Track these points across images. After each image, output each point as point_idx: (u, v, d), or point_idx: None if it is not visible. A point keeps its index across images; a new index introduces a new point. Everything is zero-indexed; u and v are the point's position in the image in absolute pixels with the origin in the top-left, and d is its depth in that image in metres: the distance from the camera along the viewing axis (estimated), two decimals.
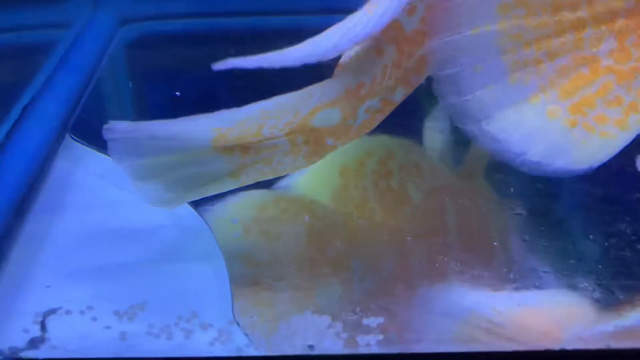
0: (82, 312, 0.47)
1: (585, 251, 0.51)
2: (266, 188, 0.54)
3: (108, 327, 0.46)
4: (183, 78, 0.76)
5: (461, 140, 0.59)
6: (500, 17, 0.46)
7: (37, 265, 0.51)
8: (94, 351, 0.44)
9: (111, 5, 0.85)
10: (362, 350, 0.44)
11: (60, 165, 0.61)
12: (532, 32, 0.46)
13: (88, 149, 0.62)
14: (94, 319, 0.46)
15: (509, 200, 0.55)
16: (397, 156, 0.60)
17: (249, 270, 0.51)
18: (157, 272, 0.50)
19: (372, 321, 0.45)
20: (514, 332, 0.44)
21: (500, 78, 0.46)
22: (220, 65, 0.43)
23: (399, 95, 0.51)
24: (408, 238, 0.53)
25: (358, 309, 0.46)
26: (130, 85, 0.75)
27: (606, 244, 0.51)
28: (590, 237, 0.52)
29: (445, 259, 0.50)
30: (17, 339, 0.45)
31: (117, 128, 0.47)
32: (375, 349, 0.44)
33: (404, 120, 0.62)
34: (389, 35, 0.49)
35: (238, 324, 0.46)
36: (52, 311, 0.47)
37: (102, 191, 0.58)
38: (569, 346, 0.43)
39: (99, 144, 0.62)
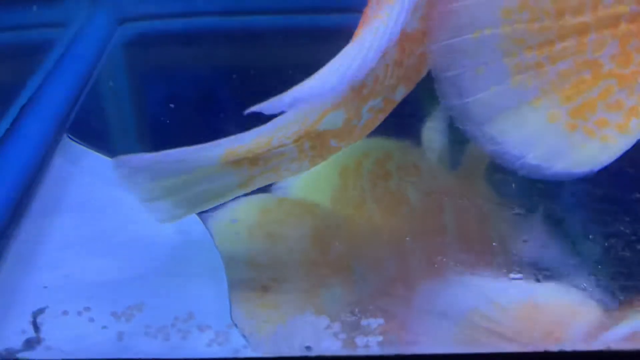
0: (79, 313, 0.47)
1: (585, 251, 0.51)
2: (265, 190, 0.54)
3: (105, 328, 0.46)
4: (181, 77, 0.76)
5: (460, 142, 0.59)
6: (503, 21, 0.46)
7: (34, 265, 0.51)
8: (90, 352, 0.44)
9: (109, 5, 0.85)
10: (361, 351, 0.44)
11: (58, 165, 0.61)
12: (535, 36, 0.46)
13: (86, 149, 0.62)
14: (91, 319, 0.46)
15: (508, 201, 0.55)
16: (395, 157, 0.60)
17: (250, 273, 0.50)
18: (155, 273, 0.50)
19: (371, 322, 0.45)
20: (516, 331, 0.44)
21: (502, 81, 0.46)
22: (248, 111, 0.43)
23: (400, 94, 0.51)
24: (407, 239, 0.52)
25: (357, 310, 0.46)
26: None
27: (606, 244, 0.51)
28: (590, 237, 0.52)
29: (444, 260, 0.50)
30: (14, 339, 0.45)
31: (126, 161, 0.48)
32: (374, 351, 0.44)
33: (404, 121, 0.62)
34: None
35: (236, 325, 0.46)
36: (41, 311, 0.46)
37: (100, 191, 0.58)
38: (569, 347, 0.43)
39: (97, 143, 0.63)
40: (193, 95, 0.73)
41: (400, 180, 0.58)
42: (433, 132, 0.63)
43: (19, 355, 0.44)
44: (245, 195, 0.51)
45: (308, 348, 0.44)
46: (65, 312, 0.47)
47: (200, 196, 0.49)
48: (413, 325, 0.46)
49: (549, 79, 0.46)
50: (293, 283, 0.49)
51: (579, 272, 0.49)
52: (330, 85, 0.44)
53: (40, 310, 0.46)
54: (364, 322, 0.45)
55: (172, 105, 0.69)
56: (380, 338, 0.44)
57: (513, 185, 0.56)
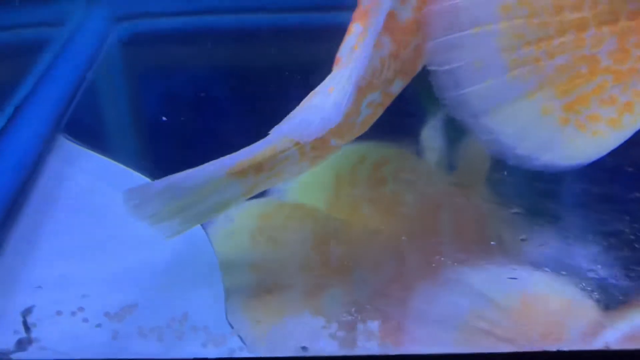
0: (73, 314, 0.46)
1: (584, 251, 0.51)
2: (260, 194, 0.54)
3: (99, 329, 0.45)
4: (178, 76, 0.76)
5: (459, 143, 0.59)
6: (502, 17, 0.46)
7: (28, 265, 0.51)
8: (84, 353, 0.44)
9: (105, 3, 0.84)
10: (357, 352, 0.44)
11: (54, 164, 0.60)
12: (533, 32, 0.46)
13: (82, 148, 0.62)
14: (85, 320, 0.46)
15: (506, 200, 0.55)
16: (392, 162, 0.60)
17: (247, 275, 0.50)
18: (151, 274, 0.50)
19: (368, 324, 0.45)
20: (514, 332, 0.44)
21: (499, 74, 0.46)
22: None
23: (397, 87, 0.51)
24: (402, 244, 0.52)
25: (353, 317, 0.46)
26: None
27: (605, 244, 0.51)
28: (590, 236, 0.52)
29: (441, 261, 0.50)
30: (7, 340, 0.44)
31: (136, 192, 0.47)
32: (370, 351, 0.44)
33: (403, 122, 0.61)
34: (385, 27, 0.49)
35: (231, 326, 0.46)
36: (29, 310, 0.46)
37: (96, 191, 0.58)
38: (568, 347, 0.42)
39: (94, 143, 0.62)
40: (190, 94, 0.73)
41: (396, 185, 0.58)
42: (432, 133, 0.63)
43: (12, 356, 0.43)
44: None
45: (304, 348, 0.44)
46: (59, 313, 0.46)
47: (207, 210, 0.49)
48: (410, 328, 0.45)
49: (546, 74, 0.46)
50: (291, 286, 0.49)
51: (577, 271, 0.49)
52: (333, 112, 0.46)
53: (28, 310, 0.46)
54: (360, 324, 0.45)
55: (164, 118, 0.69)
56: (377, 340, 0.44)
57: (511, 184, 0.56)
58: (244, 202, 0.50)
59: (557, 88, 0.47)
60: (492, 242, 0.52)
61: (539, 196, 0.55)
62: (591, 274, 0.48)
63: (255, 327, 0.47)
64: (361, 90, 0.49)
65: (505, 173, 0.56)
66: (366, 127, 0.51)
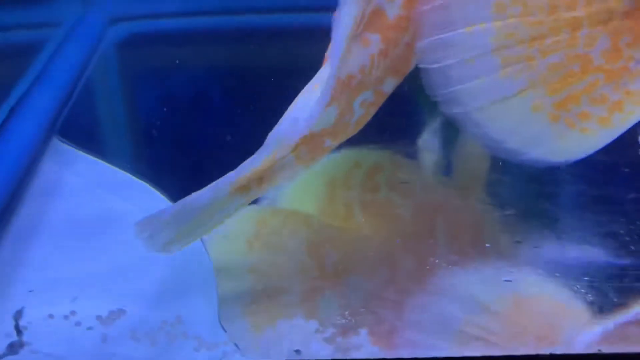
0: (65, 317, 0.46)
1: (579, 252, 0.51)
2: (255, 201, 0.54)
3: (91, 333, 0.45)
4: (174, 77, 0.76)
5: (458, 151, 0.59)
6: (496, 16, 0.46)
7: (21, 269, 0.50)
8: (76, 356, 0.44)
9: (101, 4, 0.84)
10: (351, 355, 0.43)
11: (48, 166, 0.60)
12: (527, 30, 0.46)
13: (77, 151, 0.62)
14: (78, 324, 0.46)
15: (501, 201, 0.55)
16: (386, 168, 0.60)
17: (241, 280, 0.50)
18: (145, 279, 0.50)
19: (360, 334, 0.45)
20: (508, 336, 0.44)
21: (491, 72, 0.46)
22: None
23: (390, 86, 0.51)
24: (396, 248, 0.52)
25: (347, 320, 0.46)
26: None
27: (601, 245, 0.51)
28: (586, 238, 0.52)
29: (435, 270, 0.49)
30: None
31: (147, 223, 0.47)
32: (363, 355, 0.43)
33: (398, 128, 0.61)
34: (374, 24, 0.48)
35: (224, 329, 0.46)
36: (19, 313, 0.46)
37: (91, 195, 0.58)
38: (561, 350, 0.42)
39: (89, 145, 0.62)
40: (186, 95, 0.73)
41: (390, 190, 0.58)
42: (431, 137, 0.62)
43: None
44: None
45: (297, 352, 0.44)
46: (51, 316, 0.46)
47: (212, 225, 0.49)
48: (403, 334, 0.45)
49: (539, 72, 0.46)
50: (285, 290, 0.49)
51: (572, 273, 0.48)
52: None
53: (20, 313, 0.46)
54: (354, 328, 0.45)
55: (164, 109, 0.69)
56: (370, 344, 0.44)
57: (506, 186, 0.56)
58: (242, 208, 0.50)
59: (548, 86, 0.46)
60: (487, 245, 0.52)
61: (534, 198, 0.55)
62: (586, 277, 0.48)
63: (248, 331, 0.46)
64: (352, 89, 0.49)
65: (501, 175, 0.56)
66: (360, 127, 0.51)
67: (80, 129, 0.67)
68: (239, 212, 0.49)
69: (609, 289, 0.47)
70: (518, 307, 0.46)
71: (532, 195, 0.55)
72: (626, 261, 0.49)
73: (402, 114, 0.60)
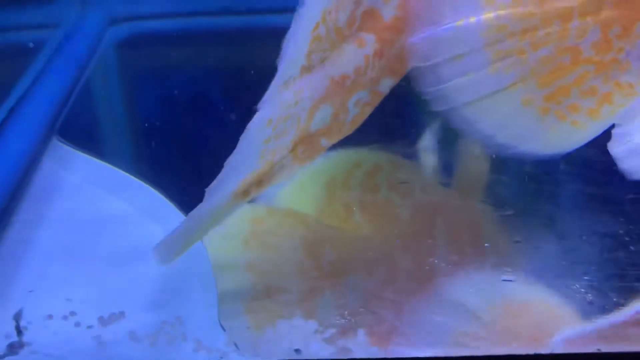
0: (65, 318, 0.46)
1: (578, 252, 0.51)
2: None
3: (91, 333, 0.45)
4: (173, 77, 0.76)
5: (458, 154, 0.59)
6: (486, 8, 0.45)
7: (20, 269, 0.50)
8: (75, 357, 0.44)
9: (100, 5, 0.84)
10: (348, 355, 0.43)
11: (47, 167, 0.60)
12: (517, 22, 0.45)
13: (76, 151, 0.62)
14: (77, 324, 0.46)
15: (500, 202, 0.55)
16: (385, 169, 0.60)
17: (240, 279, 0.50)
18: (144, 278, 0.50)
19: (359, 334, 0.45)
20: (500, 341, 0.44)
21: (481, 68, 0.46)
22: None
23: (386, 86, 0.51)
24: (394, 249, 0.52)
25: (346, 320, 0.46)
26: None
27: (599, 245, 0.50)
28: (584, 237, 0.52)
29: (433, 271, 0.49)
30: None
31: (164, 245, 0.48)
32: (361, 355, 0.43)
33: (398, 129, 0.61)
34: (368, 25, 0.48)
35: (224, 328, 0.46)
36: (19, 314, 0.46)
37: (90, 195, 0.57)
38: (559, 350, 0.42)
39: (88, 145, 0.62)
40: (186, 95, 0.73)
41: (390, 191, 0.57)
42: (431, 139, 0.62)
43: None
44: None
45: (297, 351, 0.44)
46: (51, 316, 0.46)
47: (212, 228, 0.49)
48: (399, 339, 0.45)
49: (529, 66, 0.46)
50: (284, 289, 0.49)
51: (571, 273, 0.48)
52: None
53: (20, 314, 0.46)
54: (352, 328, 0.45)
55: (164, 109, 0.69)
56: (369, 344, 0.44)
57: (505, 186, 0.56)
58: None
59: (538, 79, 0.46)
60: (486, 245, 0.52)
61: (533, 197, 0.55)
62: (586, 277, 0.48)
63: (248, 330, 0.47)
64: (346, 89, 0.49)
65: (500, 175, 0.56)
66: (355, 126, 0.51)
67: (79, 129, 0.66)
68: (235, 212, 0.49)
69: (609, 289, 0.47)
70: (509, 314, 0.46)
71: (531, 195, 0.55)
72: (626, 260, 0.49)
73: (402, 115, 0.60)
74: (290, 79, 0.48)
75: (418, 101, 0.51)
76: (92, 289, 0.49)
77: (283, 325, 0.46)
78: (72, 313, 0.46)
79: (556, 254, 0.51)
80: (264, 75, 0.73)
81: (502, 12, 0.45)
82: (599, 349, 0.42)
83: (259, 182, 0.48)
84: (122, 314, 0.47)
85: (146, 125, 0.70)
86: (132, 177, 0.58)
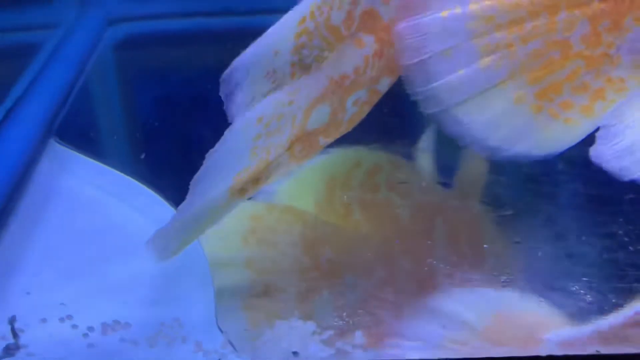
0: (61, 320, 0.46)
1: (578, 253, 0.50)
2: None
3: (88, 335, 0.45)
4: (171, 78, 0.76)
5: (456, 159, 0.59)
6: None
7: (17, 271, 0.50)
8: (72, 359, 0.44)
9: (99, 6, 0.84)
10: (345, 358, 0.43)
11: (45, 169, 0.60)
12: (505, 14, 0.45)
13: (74, 152, 0.61)
14: (75, 326, 0.46)
15: (499, 203, 0.55)
16: (385, 169, 0.60)
17: (238, 279, 0.50)
18: (141, 279, 0.50)
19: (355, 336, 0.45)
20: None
21: (471, 63, 0.45)
22: None
23: (385, 85, 0.51)
24: (393, 249, 0.52)
25: (344, 321, 0.46)
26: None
27: (599, 246, 0.50)
28: (583, 238, 0.51)
29: (432, 272, 0.49)
30: None
31: (157, 240, 0.48)
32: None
33: (401, 131, 0.61)
34: (368, 26, 0.48)
35: (221, 330, 0.46)
36: (14, 318, 0.46)
37: (88, 197, 0.57)
38: (556, 352, 0.42)
39: (86, 147, 0.62)
40: (184, 96, 0.73)
41: (389, 191, 0.57)
42: (429, 140, 0.62)
43: None
44: None
45: (295, 354, 0.44)
46: (47, 319, 0.46)
47: (210, 226, 0.49)
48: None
49: (519, 60, 0.45)
50: (282, 289, 0.49)
51: (571, 274, 0.48)
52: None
53: (16, 316, 0.46)
54: (350, 330, 0.45)
55: (162, 110, 0.69)
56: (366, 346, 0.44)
57: (504, 186, 0.56)
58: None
59: (529, 75, 0.45)
60: (485, 246, 0.51)
61: (532, 198, 0.55)
62: (585, 277, 0.48)
63: (245, 332, 0.46)
64: (345, 89, 0.49)
65: (499, 175, 0.56)
66: (353, 125, 0.51)
67: (77, 130, 0.66)
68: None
69: (608, 290, 0.47)
70: (501, 310, 0.46)
71: (529, 195, 0.55)
72: (625, 261, 0.49)
73: (403, 114, 0.60)
74: (272, 70, 0.47)
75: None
76: (89, 291, 0.49)
77: (281, 327, 0.46)
78: (69, 316, 0.46)
79: (555, 254, 0.51)
80: None
81: (488, 3, 0.44)
82: (597, 351, 0.42)
83: (256, 180, 0.48)
84: (119, 315, 0.46)
85: (144, 126, 0.70)
86: (130, 179, 0.58)
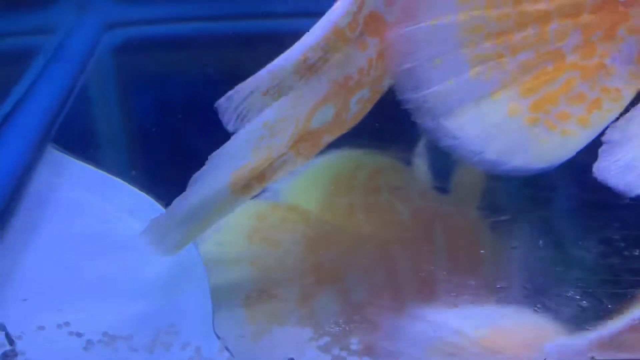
0: (58, 327, 0.46)
1: (574, 259, 0.51)
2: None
3: (85, 342, 0.45)
4: (169, 82, 0.76)
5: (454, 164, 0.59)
6: (460, 8, 0.44)
7: (15, 278, 0.50)
8: None
9: (96, 10, 0.84)
10: None
11: (42, 175, 0.60)
12: (493, 24, 0.44)
13: (71, 158, 0.61)
14: (71, 333, 0.46)
15: (496, 208, 0.55)
16: (385, 173, 0.60)
17: (234, 284, 0.50)
18: (139, 285, 0.50)
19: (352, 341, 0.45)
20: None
21: (461, 72, 0.45)
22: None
23: (387, 84, 0.51)
24: (391, 252, 0.52)
25: (341, 327, 0.46)
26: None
27: (595, 251, 0.50)
28: (579, 243, 0.51)
29: (429, 276, 0.49)
30: None
31: (153, 230, 0.48)
32: None
33: (403, 137, 0.61)
34: (372, 28, 0.49)
35: (218, 337, 0.46)
36: (3, 326, 0.46)
37: (85, 203, 0.57)
38: (553, 357, 0.42)
39: (84, 152, 0.62)
40: (182, 101, 0.73)
41: (389, 194, 0.58)
42: (430, 147, 0.62)
43: None
44: None
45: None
46: (45, 325, 0.46)
47: (215, 223, 0.50)
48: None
49: (510, 71, 0.45)
50: (281, 295, 0.49)
51: (566, 279, 0.48)
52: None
53: (2, 326, 0.46)
54: (346, 335, 0.45)
55: (160, 115, 0.69)
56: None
57: (501, 191, 0.56)
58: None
59: (522, 86, 0.45)
60: (481, 251, 0.52)
61: (528, 203, 0.55)
62: (580, 283, 0.48)
63: (242, 337, 0.46)
64: (349, 89, 0.49)
65: (495, 181, 0.56)
66: (355, 122, 0.52)
67: (75, 135, 0.66)
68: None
69: (603, 295, 0.47)
70: (494, 323, 0.46)
71: (525, 200, 0.55)
72: (621, 267, 0.49)
73: (404, 120, 0.60)
74: (273, 85, 0.48)
75: None
76: (86, 297, 0.49)
77: (278, 331, 0.46)
78: (67, 322, 0.46)
79: (551, 259, 0.51)
80: None
81: (476, 13, 0.44)
82: (592, 357, 0.42)
83: (261, 177, 0.49)
84: (116, 321, 0.46)
85: (142, 130, 0.70)
86: (127, 185, 0.58)
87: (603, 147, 0.45)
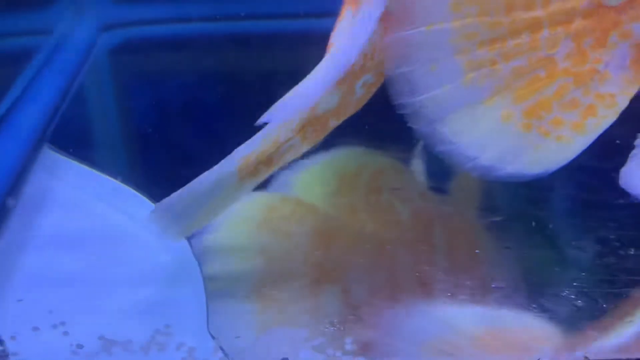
0: (54, 327, 0.46)
1: (569, 259, 0.50)
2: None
3: (80, 343, 0.45)
4: (167, 84, 0.76)
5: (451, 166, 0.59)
6: (454, 15, 0.44)
7: (10, 279, 0.50)
8: None
9: (93, 11, 0.84)
10: None
11: (38, 176, 0.60)
12: (486, 31, 0.45)
13: (68, 159, 0.61)
14: (66, 333, 0.46)
15: (491, 208, 0.55)
16: (386, 173, 0.60)
17: (229, 283, 0.50)
18: (135, 288, 0.50)
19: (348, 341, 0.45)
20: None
21: (455, 78, 0.45)
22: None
23: None
24: (389, 252, 0.52)
25: (336, 327, 0.46)
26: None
27: (590, 251, 0.50)
28: (573, 243, 0.51)
29: (427, 277, 0.49)
30: None
31: (161, 213, 0.49)
32: None
33: (404, 137, 0.61)
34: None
35: (213, 337, 0.46)
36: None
37: (82, 204, 0.57)
38: (548, 357, 0.42)
39: (80, 153, 0.62)
40: (179, 102, 0.73)
41: (389, 195, 0.58)
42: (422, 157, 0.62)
43: None
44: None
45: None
46: (40, 326, 0.46)
47: (223, 208, 0.50)
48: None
49: (503, 77, 0.45)
50: (278, 294, 0.49)
51: (562, 279, 0.48)
52: (313, 89, 0.46)
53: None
54: (343, 335, 0.45)
55: (157, 116, 0.69)
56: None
57: (497, 192, 0.56)
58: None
59: (515, 93, 0.45)
60: (476, 251, 0.52)
61: (524, 203, 0.55)
62: (576, 282, 0.48)
63: (237, 338, 0.46)
64: (354, 74, 0.49)
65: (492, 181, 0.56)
66: (360, 105, 0.52)
67: (72, 136, 0.66)
68: (250, 197, 0.51)
69: (599, 295, 0.47)
70: (491, 323, 0.46)
71: (521, 200, 0.55)
72: (617, 266, 0.49)
73: (404, 120, 0.60)
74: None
75: None
76: (81, 298, 0.49)
77: (273, 332, 0.46)
78: (62, 323, 0.46)
79: (545, 259, 0.51)
80: (259, 81, 0.74)
81: (469, 20, 0.44)
82: (586, 357, 0.42)
83: (269, 162, 0.49)
84: (112, 323, 0.47)
85: (139, 131, 0.70)
86: (124, 186, 0.58)
87: (634, 152, 0.46)
